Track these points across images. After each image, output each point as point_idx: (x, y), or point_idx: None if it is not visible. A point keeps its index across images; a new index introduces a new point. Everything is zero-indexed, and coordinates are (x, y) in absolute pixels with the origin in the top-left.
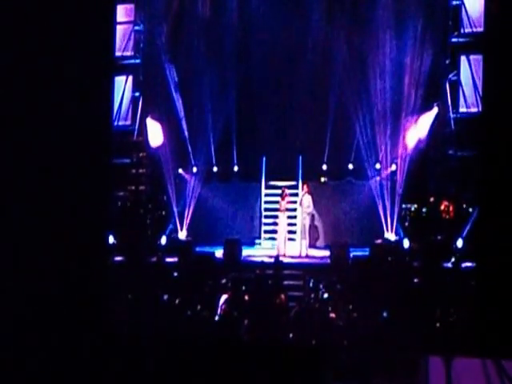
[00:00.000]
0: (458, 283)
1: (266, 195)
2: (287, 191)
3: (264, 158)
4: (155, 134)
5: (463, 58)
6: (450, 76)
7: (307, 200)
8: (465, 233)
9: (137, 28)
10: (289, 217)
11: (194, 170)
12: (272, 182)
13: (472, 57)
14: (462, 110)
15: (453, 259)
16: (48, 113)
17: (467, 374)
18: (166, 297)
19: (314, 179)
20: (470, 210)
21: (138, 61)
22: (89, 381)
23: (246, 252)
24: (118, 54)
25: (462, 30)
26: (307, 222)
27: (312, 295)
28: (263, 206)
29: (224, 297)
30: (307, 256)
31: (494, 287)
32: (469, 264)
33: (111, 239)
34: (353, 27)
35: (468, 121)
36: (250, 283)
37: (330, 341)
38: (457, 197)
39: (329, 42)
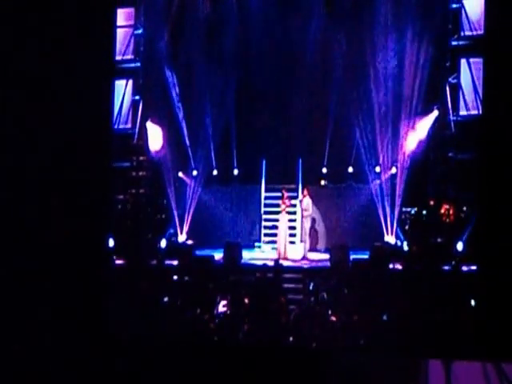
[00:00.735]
0: (458, 286)
1: (266, 198)
2: (286, 194)
3: (264, 161)
4: (155, 137)
5: (463, 61)
6: (450, 79)
7: (307, 203)
8: (465, 236)
9: (137, 32)
10: (289, 220)
11: (194, 173)
12: (272, 186)
13: (472, 60)
14: (462, 112)
15: (453, 262)
16: (48, 116)
17: (467, 378)
18: (165, 299)
19: (313, 182)
20: (471, 212)
21: (138, 64)
22: (89, 382)
23: (246, 255)
24: (118, 57)
25: (461, 33)
26: (307, 225)
27: (312, 298)
28: (263, 209)
29: (224, 300)
30: (307, 259)
31: (495, 290)
32: (469, 267)
33: (111, 242)
34: (353, 30)
35: (468, 124)
36: (249, 286)
37: (330, 344)
38: (457, 200)
39: (329, 45)
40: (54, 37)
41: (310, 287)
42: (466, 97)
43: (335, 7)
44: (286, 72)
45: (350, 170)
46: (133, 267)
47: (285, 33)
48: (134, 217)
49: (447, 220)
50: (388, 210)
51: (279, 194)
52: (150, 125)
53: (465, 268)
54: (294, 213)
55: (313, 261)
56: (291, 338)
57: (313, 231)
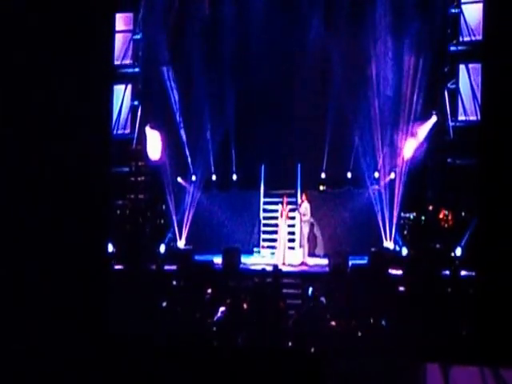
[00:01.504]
0: (456, 291)
1: (265, 203)
2: (285, 199)
3: (263, 167)
4: (154, 142)
5: (462, 67)
6: (449, 84)
7: (305, 208)
8: (464, 241)
9: (136, 37)
10: (288, 225)
11: (193, 178)
12: (271, 191)
13: (471, 65)
14: (461, 118)
15: (452, 267)
16: (48, 121)
17: (465, 382)
18: (164, 304)
19: (312, 188)
20: (469, 218)
21: (137, 69)
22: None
23: (245, 260)
24: (117, 62)
25: (460, 39)
26: (306, 230)
27: (311, 303)
28: (262, 214)
29: (223, 305)
30: (306, 264)
31: (493, 295)
32: (468, 272)
33: (110, 247)
34: (352, 35)
35: (467, 129)
36: (248, 291)
37: (330, 349)
38: (456, 205)
39: (328, 50)
40: (53, 42)
41: (309, 292)
42: (465, 102)
43: (334, 13)
44: (286, 77)
45: (349, 175)
46: (132, 272)
47: (284, 39)
48: (133, 222)
49: (446, 225)
50: (387, 215)
51: (278, 200)
52: (148, 130)
53: (463, 273)
54: (293, 218)
55: (312, 266)
56: (290, 343)
57: (312, 236)
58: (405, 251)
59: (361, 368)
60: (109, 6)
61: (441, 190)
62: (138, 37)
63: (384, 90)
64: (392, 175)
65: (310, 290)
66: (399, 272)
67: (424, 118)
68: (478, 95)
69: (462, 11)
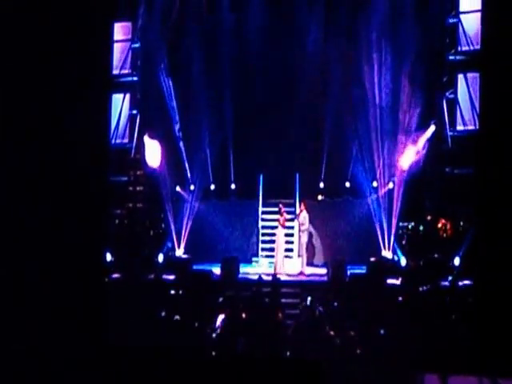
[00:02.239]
0: (455, 301)
1: (264, 213)
2: (283, 208)
3: (261, 176)
4: (152, 151)
5: (460, 76)
6: (447, 94)
7: (304, 217)
8: (462, 251)
9: (134, 46)
10: (286, 234)
11: (192, 187)
12: (269, 200)
13: (469, 75)
14: (459, 127)
15: (450, 277)
16: (46, 130)
17: None
18: (163, 314)
19: (311, 197)
20: (468, 227)
21: (135, 78)
22: None
23: (244, 270)
24: (115, 71)
25: (459, 48)
26: (305, 239)
27: (309, 313)
28: (260, 223)
29: (221, 315)
30: (304, 274)
31: (492, 305)
32: (466, 282)
33: (108, 257)
34: (349, 45)
35: (465, 138)
36: (247, 301)
37: (328, 358)
38: (454, 215)
39: (326, 60)
40: (51, 51)
41: (308, 302)
42: (463, 112)
43: (331, 23)
44: (284, 87)
45: (347, 184)
46: (130, 281)
47: (283, 49)
48: (131, 231)
49: (444, 235)
50: (385, 224)
51: (276, 209)
52: (147, 139)
53: (462, 283)
54: (292, 227)
55: (310, 275)
56: (288, 353)
57: (310, 246)
58: (403, 261)
59: (359, 378)
60: (107, 14)
61: (439, 199)
62: (136, 46)
63: (382, 100)
64: (390, 185)
65: (309, 299)
66: (398, 281)
67: (422, 127)
68: (477, 105)
69: (460, 21)
